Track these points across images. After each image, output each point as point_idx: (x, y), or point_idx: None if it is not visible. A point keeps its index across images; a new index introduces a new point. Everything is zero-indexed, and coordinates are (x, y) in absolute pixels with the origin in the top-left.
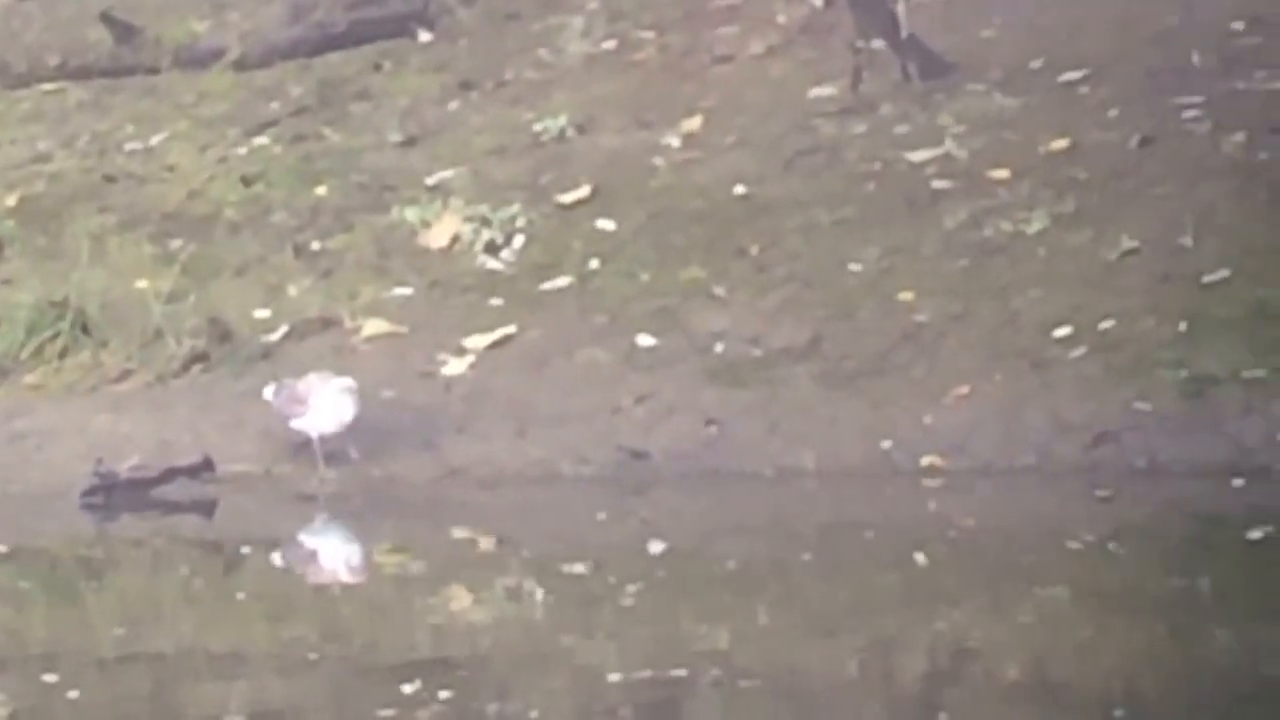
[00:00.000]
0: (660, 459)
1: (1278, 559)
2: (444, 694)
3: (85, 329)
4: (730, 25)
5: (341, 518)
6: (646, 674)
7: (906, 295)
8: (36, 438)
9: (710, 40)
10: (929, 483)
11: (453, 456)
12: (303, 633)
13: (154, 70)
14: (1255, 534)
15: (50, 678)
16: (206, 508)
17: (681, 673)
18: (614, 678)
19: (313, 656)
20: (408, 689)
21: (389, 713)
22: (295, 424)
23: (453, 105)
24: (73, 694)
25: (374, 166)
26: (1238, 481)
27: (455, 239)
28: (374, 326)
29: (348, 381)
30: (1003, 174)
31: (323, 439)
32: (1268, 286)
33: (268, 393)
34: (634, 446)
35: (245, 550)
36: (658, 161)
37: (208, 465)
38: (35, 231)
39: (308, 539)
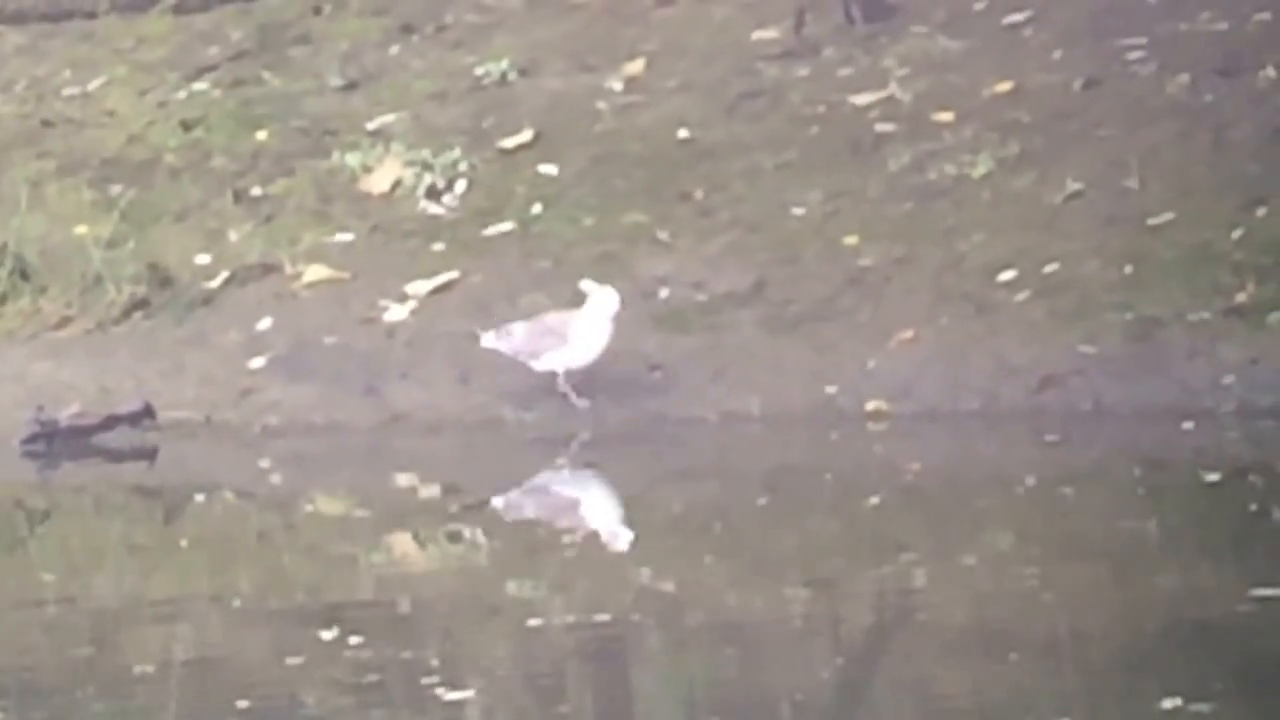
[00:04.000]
0: (602, 405)
1: (1225, 500)
2: (354, 640)
3: (24, 275)
4: None
5: (284, 463)
6: (589, 619)
7: (851, 239)
8: None
9: None
10: (874, 427)
11: (395, 402)
12: (234, 580)
13: (91, 14)
14: (1201, 476)
15: None
16: (148, 454)
17: (628, 618)
18: (545, 623)
19: (236, 603)
20: (326, 635)
21: (296, 660)
22: (539, 363)
23: (393, 49)
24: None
25: (314, 111)
26: (1189, 424)
27: (396, 184)
28: (315, 272)
29: (609, 298)
30: (947, 117)
31: (568, 373)
32: (1213, 228)
33: (489, 340)
34: (575, 392)
35: (198, 497)
36: (600, 105)
37: (149, 412)
38: None
39: (250, 486)
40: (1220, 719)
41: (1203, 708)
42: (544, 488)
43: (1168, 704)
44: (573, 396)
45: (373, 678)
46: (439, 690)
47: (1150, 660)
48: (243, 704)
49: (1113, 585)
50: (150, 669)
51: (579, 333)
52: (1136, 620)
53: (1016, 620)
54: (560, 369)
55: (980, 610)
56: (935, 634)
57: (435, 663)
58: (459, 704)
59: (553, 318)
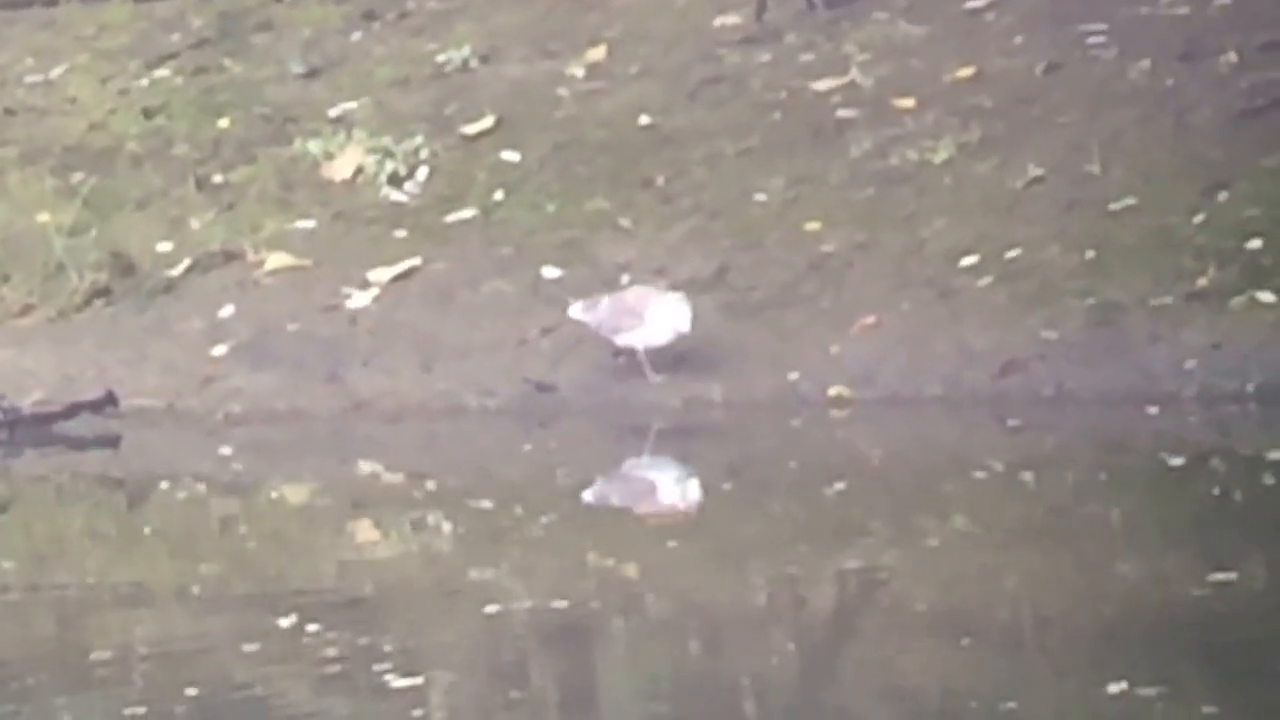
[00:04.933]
0: (567, 391)
1: (1186, 485)
2: (312, 627)
3: None
4: None
5: (247, 451)
6: (547, 605)
7: (813, 225)
8: None
9: None
10: (836, 413)
11: (358, 390)
12: (197, 567)
13: (52, 2)
14: (1162, 461)
15: None
16: (110, 442)
17: (587, 604)
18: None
19: (195, 590)
20: (284, 622)
21: (252, 646)
22: (623, 338)
23: (355, 36)
24: None
25: (276, 98)
26: (1152, 409)
27: (359, 171)
28: (277, 260)
29: (678, 295)
30: (908, 103)
31: (648, 351)
32: (1174, 213)
33: (576, 310)
34: (540, 379)
35: (161, 485)
36: (562, 92)
37: (111, 400)
38: None
39: (213, 473)
40: (1166, 703)
41: (1149, 692)
42: (507, 473)
43: (1114, 688)
44: (649, 371)
45: (328, 665)
46: (390, 677)
47: (1102, 645)
48: (191, 691)
49: (1071, 570)
50: (106, 655)
51: (655, 313)
52: (1092, 605)
53: (973, 605)
54: (640, 346)
55: (938, 595)
56: (893, 618)
57: (389, 649)
58: (409, 690)
59: (634, 295)
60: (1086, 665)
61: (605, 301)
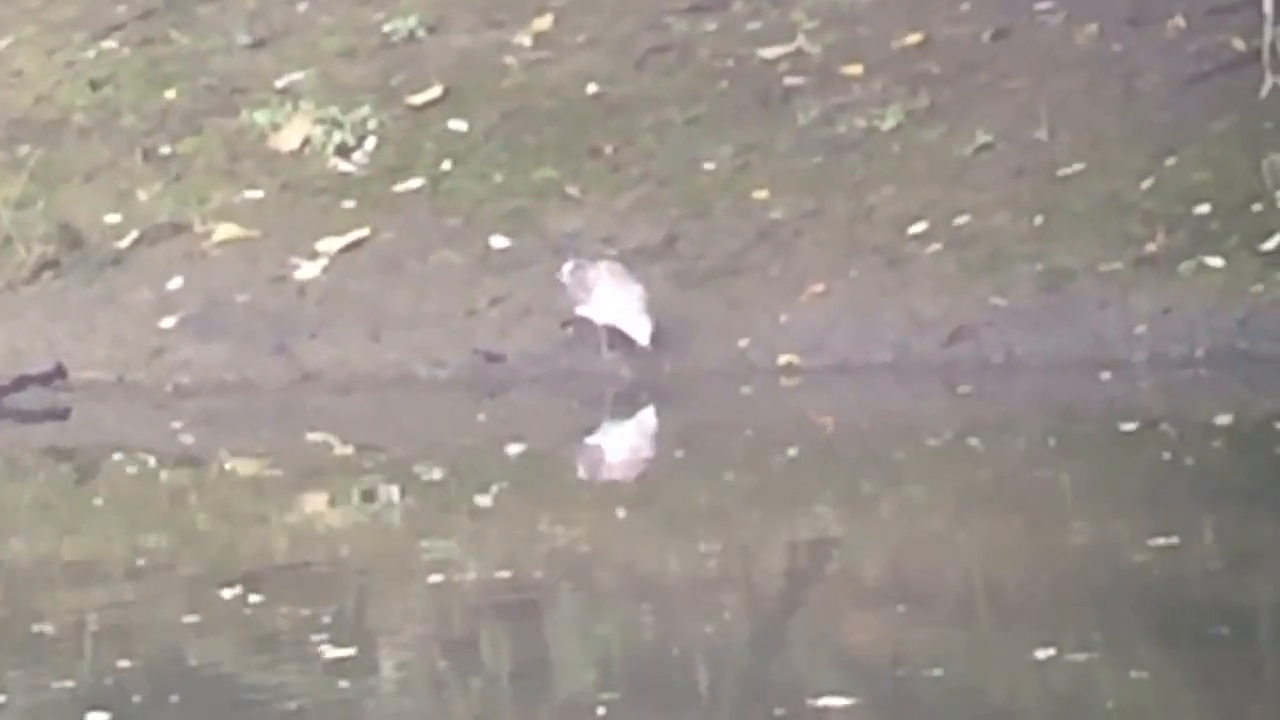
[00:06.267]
0: (516, 361)
1: (1134, 450)
2: (255, 598)
3: None
4: None
5: (196, 423)
6: (493, 577)
7: (761, 193)
8: None
9: None
10: (786, 381)
11: (307, 361)
12: (145, 539)
13: None
14: (1112, 426)
15: None
16: (60, 415)
17: (533, 575)
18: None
19: (140, 563)
20: (227, 594)
21: (193, 619)
22: (581, 310)
23: (301, 6)
24: None
25: (223, 69)
26: (1102, 375)
27: (306, 142)
28: (225, 231)
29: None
30: (856, 70)
31: (608, 329)
32: (1123, 178)
33: (563, 272)
34: (489, 349)
35: (111, 458)
36: (509, 61)
37: (60, 372)
38: None
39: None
40: (1092, 669)
41: (1078, 658)
42: (459, 444)
43: (1041, 654)
44: (603, 347)
45: (265, 636)
46: (324, 648)
47: (1036, 610)
48: (124, 663)
49: (1015, 536)
50: (48, 628)
51: (599, 290)
52: (1032, 571)
53: (914, 571)
54: (596, 319)
55: (883, 562)
56: (836, 585)
57: (327, 620)
58: (341, 661)
59: (593, 271)
60: (1017, 632)
61: (575, 270)
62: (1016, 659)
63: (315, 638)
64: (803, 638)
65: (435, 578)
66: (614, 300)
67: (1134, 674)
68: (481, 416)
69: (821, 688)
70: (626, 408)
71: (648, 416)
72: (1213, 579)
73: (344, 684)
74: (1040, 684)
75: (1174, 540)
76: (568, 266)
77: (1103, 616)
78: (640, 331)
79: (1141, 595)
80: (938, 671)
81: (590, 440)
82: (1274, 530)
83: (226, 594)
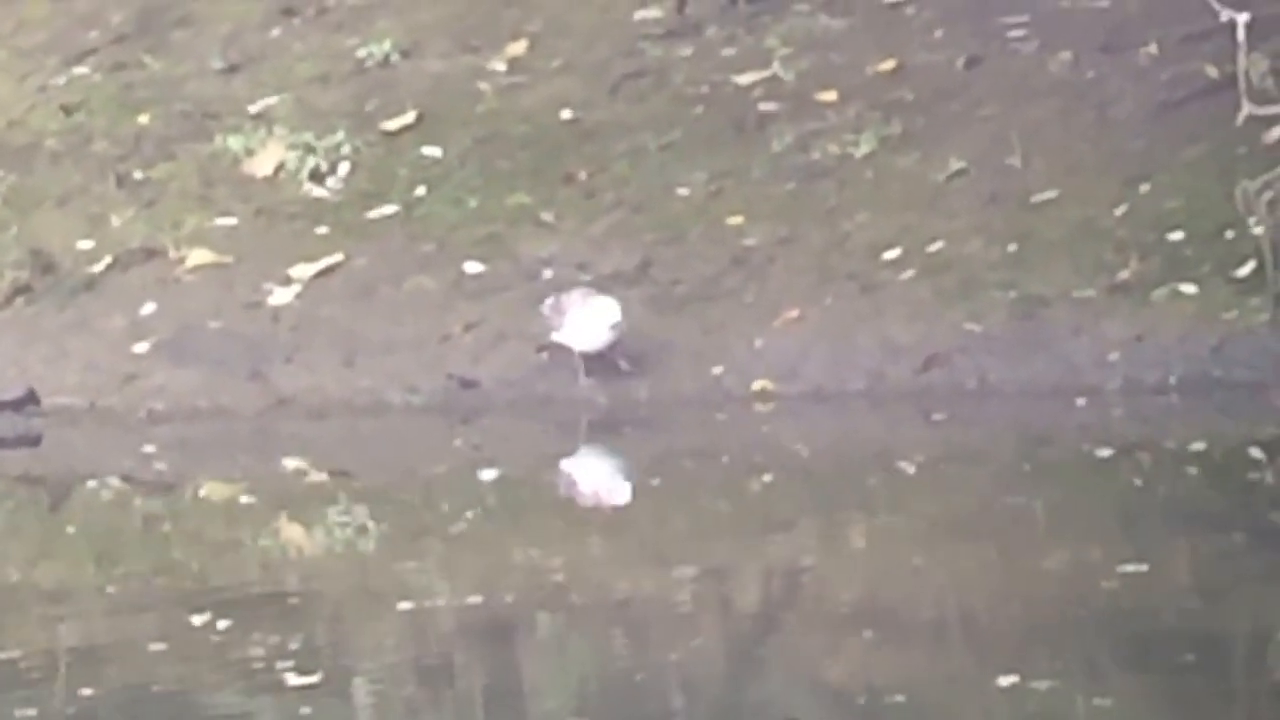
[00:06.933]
0: (490, 386)
1: (1107, 478)
2: (223, 624)
3: None
4: None
5: (169, 449)
6: (464, 602)
7: (735, 219)
8: None
9: None
10: (760, 408)
11: (281, 387)
12: (116, 566)
13: None
14: (1085, 453)
15: None
16: (31, 441)
17: (508, 600)
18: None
19: (111, 590)
20: (196, 620)
21: (160, 646)
22: (556, 336)
23: (275, 31)
24: None
25: (196, 94)
26: (1079, 401)
27: (280, 167)
28: (199, 256)
29: (610, 303)
30: (830, 96)
31: (584, 355)
32: (1096, 205)
33: (545, 306)
34: (463, 375)
35: (83, 484)
36: (483, 87)
37: (32, 398)
38: None
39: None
40: (1055, 697)
41: (1040, 685)
42: (433, 470)
43: (1004, 681)
44: (580, 374)
45: (231, 663)
46: (289, 675)
47: (1001, 638)
48: (86, 691)
49: (987, 563)
50: (15, 654)
51: (571, 318)
52: (1001, 597)
53: (885, 599)
54: (572, 346)
55: (855, 589)
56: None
57: (295, 647)
58: (304, 689)
59: (568, 298)
60: (981, 659)
61: (556, 301)
62: (981, 685)
63: (281, 665)
64: (772, 663)
65: (405, 604)
66: (587, 324)
67: (1097, 701)
68: (456, 442)
69: (789, 712)
70: (601, 434)
71: (623, 442)
72: (1181, 606)
73: (306, 710)
74: (1005, 711)
75: (1143, 568)
76: (549, 302)
77: (1069, 643)
78: (604, 340)
79: (1109, 622)
80: (900, 698)
81: (565, 466)
82: (1244, 558)
83: (196, 620)
